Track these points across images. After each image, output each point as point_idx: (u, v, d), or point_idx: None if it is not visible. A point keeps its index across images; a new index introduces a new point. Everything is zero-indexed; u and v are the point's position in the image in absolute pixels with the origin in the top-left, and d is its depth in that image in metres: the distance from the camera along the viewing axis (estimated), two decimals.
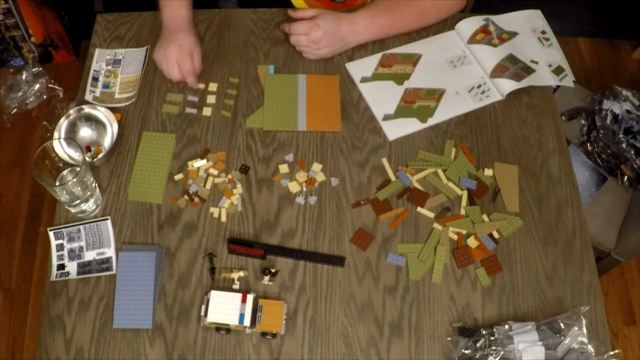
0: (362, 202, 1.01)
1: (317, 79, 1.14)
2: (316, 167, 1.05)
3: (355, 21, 1.14)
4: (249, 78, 1.15)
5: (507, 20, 1.24)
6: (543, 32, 1.24)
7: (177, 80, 1.11)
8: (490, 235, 0.99)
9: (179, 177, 1.03)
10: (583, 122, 1.58)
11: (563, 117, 1.58)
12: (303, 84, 1.13)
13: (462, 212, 1.01)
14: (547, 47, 1.22)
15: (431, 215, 1.01)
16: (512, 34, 1.21)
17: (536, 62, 1.18)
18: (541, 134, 1.11)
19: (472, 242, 0.98)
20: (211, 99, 1.12)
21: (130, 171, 1.03)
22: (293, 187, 1.02)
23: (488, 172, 1.05)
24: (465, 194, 1.03)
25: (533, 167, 1.07)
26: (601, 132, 1.53)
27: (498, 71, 1.16)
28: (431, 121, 1.10)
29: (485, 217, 1.01)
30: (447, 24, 1.23)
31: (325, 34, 1.11)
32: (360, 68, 1.16)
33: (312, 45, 1.13)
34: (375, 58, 1.17)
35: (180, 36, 1.10)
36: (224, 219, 0.99)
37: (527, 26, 1.24)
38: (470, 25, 1.22)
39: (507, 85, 1.14)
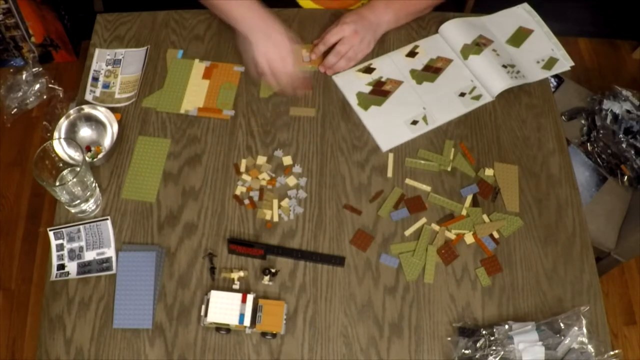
0: (356, 210, 1.01)
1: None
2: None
3: (372, 5, 1.15)
4: (249, 78, 1.15)
5: (489, 22, 1.23)
6: (527, 30, 1.23)
7: (287, 87, 1.08)
8: (491, 235, 0.99)
9: (242, 186, 1.02)
10: (583, 122, 1.58)
11: (563, 117, 1.58)
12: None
13: (464, 212, 1.01)
14: (534, 41, 1.21)
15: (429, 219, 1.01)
16: (496, 37, 1.21)
17: (523, 62, 1.18)
18: (541, 134, 1.11)
19: (469, 240, 0.99)
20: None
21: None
22: (291, 181, 1.03)
23: (488, 172, 1.05)
24: (469, 197, 1.03)
25: (533, 167, 1.07)
26: (601, 132, 1.53)
27: (489, 73, 1.15)
28: (424, 128, 1.10)
29: (485, 217, 1.01)
30: (430, 29, 1.23)
31: (356, 26, 1.11)
32: (347, 81, 1.15)
33: (353, 42, 1.11)
34: (363, 79, 1.15)
35: (286, 40, 1.05)
36: (276, 218, 1.00)
37: (511, 26, 1.23)
38: (456, 29, 1.20)
39: (498, 86, 1.13)
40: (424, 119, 1.10)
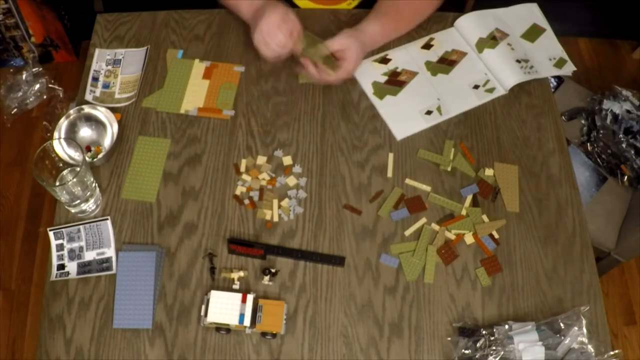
0: (356, 210, 1.01)
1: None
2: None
3: (367, 30, 1.12)
4: (249, 78, 1.15)
5: (505, 15, 1.24)
6: (540, 27, 1.24)
7: (281, 50, 1.05)
8: (491, 235, 0.99)
9: (242, 186, 1.02)
10: (583, 122, 1.58)
11: (563, 117, 1.58)
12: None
13: (463, 212, 1.01)
14: (546, 40, 1.22)
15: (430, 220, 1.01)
16: (512, 30, 1.22)
17: (536, 57, 1.18)
18: (541, 134, 1.11)
19: (469, 240, 0.99)
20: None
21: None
22: (291, 181, 1.03)
23: (488, 172, 1.05)
24: (469, 197, 1.03)
25: (533, 167, 1.07)
26: (601, 132, 1.53)
27: (502, 67, 1.16)
28: (438, 118, 1.11)
29: (485, 217, 1.01)
30: (447, 22, 1.23)
31: (357, 47, 1.08)
32: (363, 70, 1.15)
33: (357, 59, 1.09)
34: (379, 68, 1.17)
35: (281, 7, 1.05)
36: (276, 218, 1.00)
37: (526, 21, 1.24)
38: (470, 22, 1.22)
39: (511, 79, 1.14)
40: (438, 109, 1.11)
